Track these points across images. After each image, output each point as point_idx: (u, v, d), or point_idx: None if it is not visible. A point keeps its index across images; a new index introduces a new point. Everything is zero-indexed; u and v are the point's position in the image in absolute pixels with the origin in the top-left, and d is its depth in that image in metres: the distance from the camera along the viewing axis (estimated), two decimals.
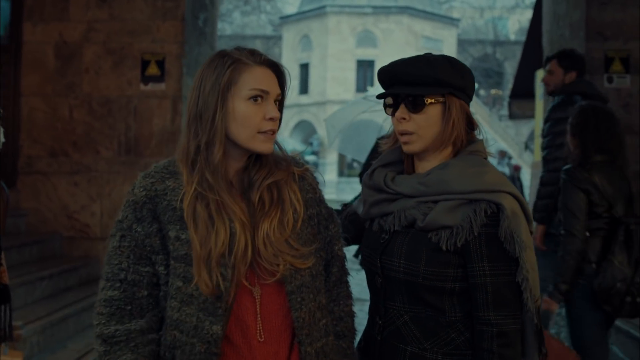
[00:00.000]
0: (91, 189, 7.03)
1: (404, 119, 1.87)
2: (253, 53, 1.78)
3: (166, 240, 1.73)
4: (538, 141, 9.89)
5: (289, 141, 33.50)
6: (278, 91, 1.79)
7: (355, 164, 40.29)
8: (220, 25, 35.37)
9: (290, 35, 40.04)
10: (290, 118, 38.02)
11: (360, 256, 2.09)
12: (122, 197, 5.80)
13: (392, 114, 1.91)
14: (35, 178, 7.01)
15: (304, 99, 37.64)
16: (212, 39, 8.22)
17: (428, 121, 1.85)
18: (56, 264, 6.28)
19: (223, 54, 1.77)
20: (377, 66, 37.00)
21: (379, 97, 1.94)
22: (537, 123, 10.08)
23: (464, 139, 1.90)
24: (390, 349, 1.89)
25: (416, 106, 1.85)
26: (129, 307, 1.74)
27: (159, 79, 7.01)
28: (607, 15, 7.05)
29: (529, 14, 41.71)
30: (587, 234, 3.71)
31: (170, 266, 1.72)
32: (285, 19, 41.36)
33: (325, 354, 1.81)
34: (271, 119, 1.75)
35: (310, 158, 36.99)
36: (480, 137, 1.95)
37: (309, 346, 1.78)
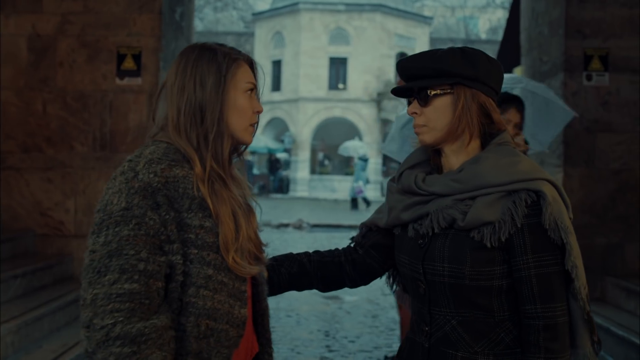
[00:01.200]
0: (65, 185, 6.88)
1: (415, 113, 1.89)
2: (237, 50, 1.87)
3: (183, 229, 1.69)
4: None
5: (261, 138, 33.36)
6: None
7: (326, 162, 40.30)
8: None
9: (262, 32, 39.85)
10: (262, 115, 37.61)
11: (397, 265, 2.03)
12: (98, 194, 5.67)
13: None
14: (7, 174, 6.84)
15: (277, 96, 37.49)
16: (188, 33, 8.09)
17: (436, 113, 1.86)
18: (29, 262, 6.13)
19: (210, 48, 1.83)
20: (350, 63, 37.12)
21: (392, 93, 1.97)
22: None
23: (482, 130, 1.89)
24: (440, 356, 1.85)
25: (423, 99, 1.87)
26: (148, 301, 1.63)
27: (135, 73, 6.88)
28: (587, 13, 7.08)
29: (500, 14, 42.10)
30: None
31: (192, 255, 1.69)
32: (258, 16, 41.15)
33: (269, 341, 1.97)
34: (258, 112, 1.88)
35: (282, 156, 36.90)
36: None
37: (269, 332, 1.96)
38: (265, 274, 1.93)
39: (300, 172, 36.79)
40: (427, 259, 1.85)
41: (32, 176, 6.86)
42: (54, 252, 6.76)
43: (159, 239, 1.66)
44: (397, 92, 1.97)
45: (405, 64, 1.91)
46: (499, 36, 34.52)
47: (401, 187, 1.96)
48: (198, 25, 41.18)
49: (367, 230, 2.14)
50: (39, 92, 6.88)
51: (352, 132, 36.23)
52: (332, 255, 2.15)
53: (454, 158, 1.90)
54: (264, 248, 1.90)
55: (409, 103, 1.94)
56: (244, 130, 1.84)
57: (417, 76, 1.88)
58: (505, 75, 3.98)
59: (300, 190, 35.70)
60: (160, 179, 1.68)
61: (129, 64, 6.88)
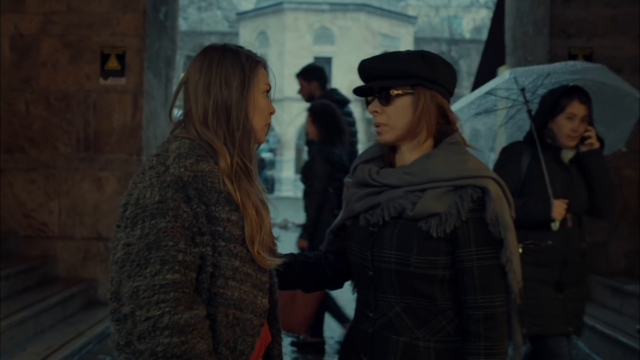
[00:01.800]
0: (49, 187, 6.81)
1: (376, 112, 1.96)
2: (253, 52, 1.94)
3: (211, 221, 1.74)
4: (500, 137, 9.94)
5: None
6: None
7: None
8: None
9: (246, 32, 39.77)
10: None
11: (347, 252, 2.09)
12: (82, 195, 5.59)
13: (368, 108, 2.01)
14: None
15: None
16: (173, 33, 8.05)
17: (397, 112, 1.93)
18: (13, 264, 6.06)
19: (235, 51, 1.89)
20: (335, 63, 37.10)
21: (354, 92, 2.04)
22: (499, 119, 10.13)
23: (438, 129, 1.97)
24: (383, 341, 1.93)
25: (385, 99, 1.94)
26: (188, 291, 1.69)
27: (119, 73, 6.82)
28: (571, 12, 7.11)
29: (483, 13, 42.20)
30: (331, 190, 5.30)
31: (220, 247, 1.74)
32: (242, 15, 41.06)
33: (279, 332, 2.03)
34: (271, 113, 1.94)
35: (267, 155, 36.81)
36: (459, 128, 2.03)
37: (280, 322, 2.01)
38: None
39: (285, 171, 36.75)
40: (376, 246, 1.93)
41: (15, 177, 6.79)
42: (37, 254, 6.69)
43: (191, 231, 1.71)
44: (358, 91, 2.04)
45: (368, 64, 1.98)
46: (483, 36, 34.65)
47: (355, 180, 2.04)
48: (182, 24, 41.00)
49: (334, 236, 2.20)
50: (21, 93, 6.81)
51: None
52: (315, 257, 2.20)
53: (408, 155, 1.98)
54: (275, 242, 1.97)
55: (367, 102, 2.02)
56: (261, 130, 1.91)
57: (378, 76, 1.95)
58: (556, 65, 3.87)
59: (285, 190, 35.65)
60: (190, 172, 1.74)
61: (112, 64, 6.83)
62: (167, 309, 1.63)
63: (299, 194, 33.65)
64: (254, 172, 1.88)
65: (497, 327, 1.84)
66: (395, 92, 1.93)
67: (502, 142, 5.26)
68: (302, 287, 2.19)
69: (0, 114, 6.77)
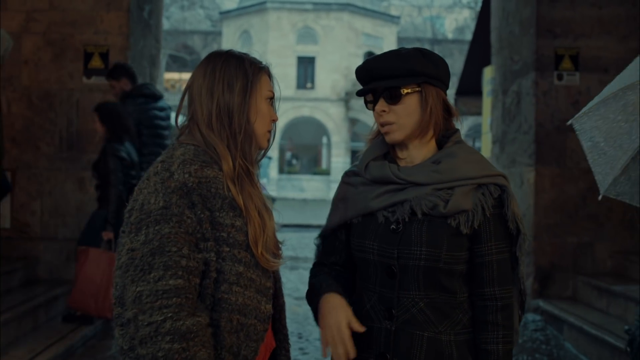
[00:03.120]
0: (31, 187, 6.72)
1: (384, 111, 1.97)
2: (258, 59, 1.96)
3: (215, 227, 1.75)
4: (486, 138, 9.95)
5: None
6: None
7: (295, 161, 40.21)
8: None
9: (229, 31, 39.63)
10: None
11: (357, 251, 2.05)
12: (65, 195, 5.51)
13: (373, 109, 2.01)
14: None
15: None
16: (157, 32, 7.98)
17: (407, 110, 1.96)
18: None
19: (239, 57, 1.91)
20: (318, 62, 37.11)
21: (358, 94, 2.03)
22: (485, 120, 10.14)
23: (442, 125, 2.02)
24: (407, 337, 1.94)
25: (394, 97, 1.95)
26: (192, 296, 1.70)
27: (103, 72, 6.73)
28: (557, 12, 7.12)
29: (466, 14, 42.37)
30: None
31: (224, 253, 1.76)
32: (225, 14, 40.92)
33: (286, 337, 2.04)
34: (273, 120, 1.96)
35: None
36: (457, 124, 2.08)
37: (286, 328, 2.02)
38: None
39: (269, 171, 36.65)
40: (402, 243, 1.94)
41: None
42: (19, 255, 6.58)
43: (195, 237, 1.73)
44: (362, 91, 2.04)
45: (374, 64, 1.98)
46: (466, 36, 34.73)
47: (371, 178, 2.02)
48: (165, 23, 40.72)
49: (334, 241, 2.13)
50: (3, 91, 6.67)
51: (321, 131, 36.21)
52: (336, 278, 2.08)
53: (416, 152, 2.02)
54: (280, 246, 1.97)
55: (367, 102, 2.03)
56: (263, 135, 1.92)
57: (385, 76, 1.96)
58: None
59: (269, 189, 35.57)
60: (195, 179, 1.75)
61: (96, 62, 6.75)
62: (169, 315, 1.63)
63: (283, 193, 33.74)
64: (255, 175, 1.89)
65: (512, 316, 1.96)
66: (406, 90, 1.95)
67: None
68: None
69: None
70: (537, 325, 6.65)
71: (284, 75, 37.10)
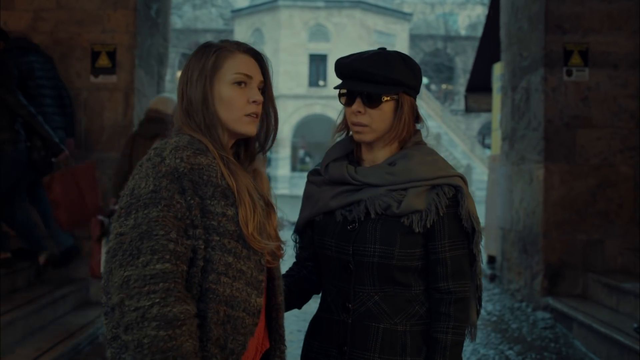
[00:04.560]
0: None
1: (359, 112, 2.04)
2: (237, 43, 1.92)
3: (205, 215, 1.73)
4: (496, 135, 9.89)
5: None
6: (260, 78, 1.92)
7: (307, 159, 40.20)
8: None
9: (241, 29, 39.70)
10: None
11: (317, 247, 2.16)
12: None
13: (346, 104, 2.08)
14: None
15: None
16: (164, 30, 7.98)
17: (382, 116, 2.04)
18: (3, 264, 5.96)
19: (207, 44, 1.90)
20: (330, 60, 37.02)
21: (338, 88, 2.09)
22: (494, 117, 10.08)
23: (412, 132, 2.11)
24: (363, 329, 2.04)
25: (372, 102, 2.03)
26: (180, 282, 1.65)
27: (110, 70, 6.75)
28: (566, 7, 7.05)
29: (479, 10, 42.21)
30: None
31: (214, 242, 1.73)
32: (237, 13, 41.01)
33: (282, 338, 1.99)
34: (254, 102, 1.87)
35: None
36: (419, 127, 2.16)
37: (282, 328, 1.98)
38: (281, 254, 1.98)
39: (281, 169, 36.70)
40: (357, 240, 2.03)
41: None
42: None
43: (184, 222, 1.70)
44: (346, 89, 2.09)
45: (360, 66, 2.03)
46: (479, 32, 34.65)
47: (329, 178, 2.12)
48: (177, 22, 40.93)
49: (301, 238, 2.27)
50: None
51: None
52: (297, 270, 2.26)
53: (380, 153, 2.11)
54: (282, 246, 1.96)
55: (341, 95, 2.09)
56: (236, 121, 1.86)
57: (367, 79, 2.02)
58: None
59: (281, 187, 35.61)
60: (186, 164, 1.73)
61: (103, 61, 6.76)
62: (157, 300, 1.59)
63: (295, 191, 33.82)
64: (236, 162, 1.87)
65: (465, 309, 2.04)
66: (386, 98, 2.02)
67: None
68: (299, 304, 2.22)
69: None
70: (546, 323, 6.61)
71: (296, 73, 37.11)
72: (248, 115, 1.87)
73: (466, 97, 11.92)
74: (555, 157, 7.03)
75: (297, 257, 2.30)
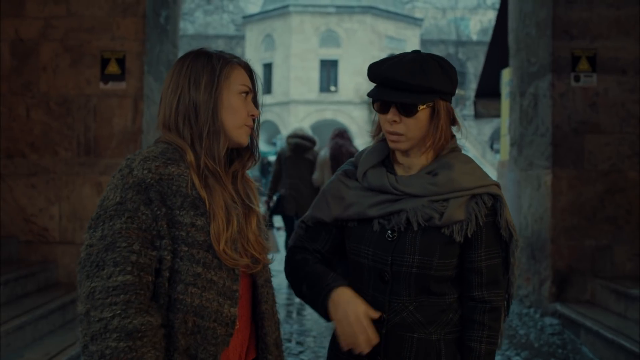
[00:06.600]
0: (49, 191, 6.80)
1: (395, 121, 2.00)
2: (234, 56, 1.94)
3: (174, 226, 1.74)
4: (504, 140, 9.89)
5: None
6: (253, 92, 1.96)
7: None
8: (182, 24, 34.98)
9: (253, 35, 39.82)
10: None
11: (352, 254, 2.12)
12: (83, 200, 5.59)
13: (380, 112, 2.04)
14: None
15: (268, 99, 37.47)
16: (174, 37, 8.03)
17: (418, 124, 2.00)
18: (12, 269, 6.03)
19: (208, 53, 1.89)
20: (341, 66, 37.08)
21: (372, 96, 2.04)
22: (503, 122, 10.08)
23: (448, 138, 2.08)
24: (397, 339, 2.02)
25: (408, 112, 1.98)
26: (142, 293, 1.66)
27: (120, 77, 6.80)
28: (574, 13, 7.05)
29: (490, 15, 42.17)
30: None
31: (182, 252, 1.73)
32: (248, 19, 41.12)
33: (277, 345, 1.99)
34: (252, 115, 1.92)
35: (273, 159, 36.83)
36: (455, 130, 2.13)
37: (269, 337, 1.94)
38: (263, 263, 1.93)
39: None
40: (397, 251, 2.01)
41: (15, 182, 6.77)
42: (38, 259, 6.66)
43: (150, 233, 1.70)
44: (380, 98, 2.03)
45: (394, 75, 1.96)
46: (490, 37, 34.56)
47: (368, 186, 2.07)
48: (189, 28, 41.11)
49: (313, 232, 2.18)
50: (22, 98, 6.80)
51: None
52: (317, 261, 2.16)
53: (416, 159, 2.08)
54: (270, 252, 1.95)
55: (374, 102, 2.04)
56: (237, 129, 1.88)
57: (402, 88, 1.95)
58: None
59: None
60: (154, 175, 1.73)
61: (112, 68, 6.81)
62: (117, 312, 1.62)
63: None
64: (223, 173, 1.86)
65: (498, 318, 2.04)
66: (421, 107, 1.98)
67: None
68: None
69: (0, 119, 6.76)
70: (554, 329, 6.59)
71: (307, 79, 37.15)
72: (247, 125, 1.91)
73: (475, 103, 11.93)
74: (563, 163, 7.02)
75: (300, 245, 2.19)
